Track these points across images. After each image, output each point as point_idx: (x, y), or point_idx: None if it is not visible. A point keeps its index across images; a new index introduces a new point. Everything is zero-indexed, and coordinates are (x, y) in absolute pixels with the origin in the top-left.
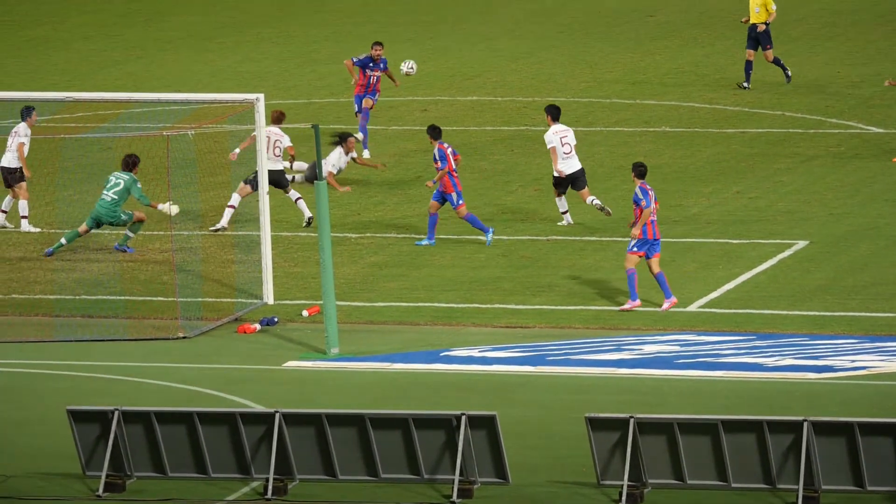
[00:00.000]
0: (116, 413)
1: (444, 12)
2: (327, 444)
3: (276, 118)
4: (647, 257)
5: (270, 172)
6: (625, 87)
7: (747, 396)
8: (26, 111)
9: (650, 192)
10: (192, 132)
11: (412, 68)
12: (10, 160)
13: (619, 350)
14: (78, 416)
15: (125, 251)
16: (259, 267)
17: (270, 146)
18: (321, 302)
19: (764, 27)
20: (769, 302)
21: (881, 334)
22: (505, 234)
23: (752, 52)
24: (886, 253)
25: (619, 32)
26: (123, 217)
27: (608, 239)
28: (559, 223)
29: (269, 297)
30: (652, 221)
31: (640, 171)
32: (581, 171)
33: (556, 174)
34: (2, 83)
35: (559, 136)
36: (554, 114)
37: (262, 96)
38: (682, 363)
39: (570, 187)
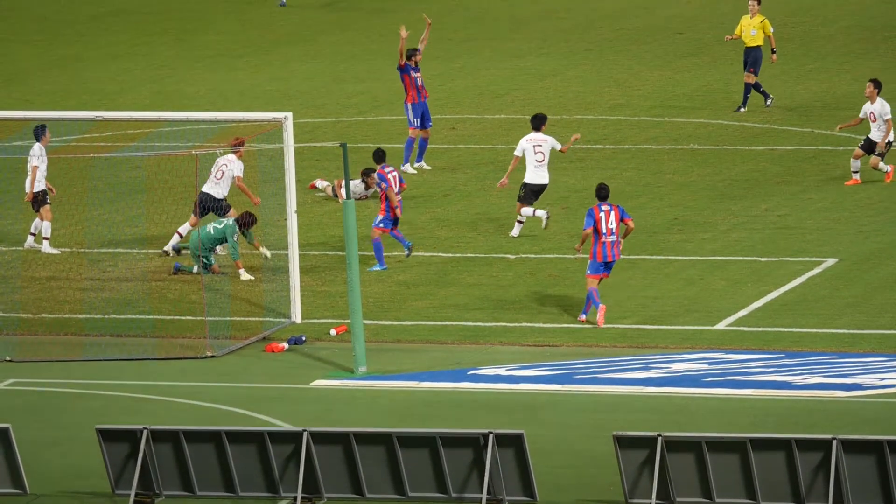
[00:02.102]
0: (145, 432)
1: (472, 30)
2: (355, 463)
3: (233, 144)
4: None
5: (210, 198)
6: (653, 105)
7: (776, 415)
8: (39, 130)
9: (598, 213)
10: (221, 151)
11: None
12: (29, 184)
13: (646, 368)
14: (107, 435)
15: (182, 270)
16: (287, 286)
17: (215, 170)
18: (349, 320)
19: (774, 57)
20: (798, 320)
21: None
22: (532, 253)
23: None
24: None
25: (648, 50)
26: (204, 259)
27: (636, 257)
28: (542, 223)
29: (296, 315)
30: (604, 244)
31: (599, 193)
32: (545, 188)
33: (502, 183)
34: (32, 102)
35: (532, 144)
36: (534, 123)
37: (290, 115)
38: (710, 381)
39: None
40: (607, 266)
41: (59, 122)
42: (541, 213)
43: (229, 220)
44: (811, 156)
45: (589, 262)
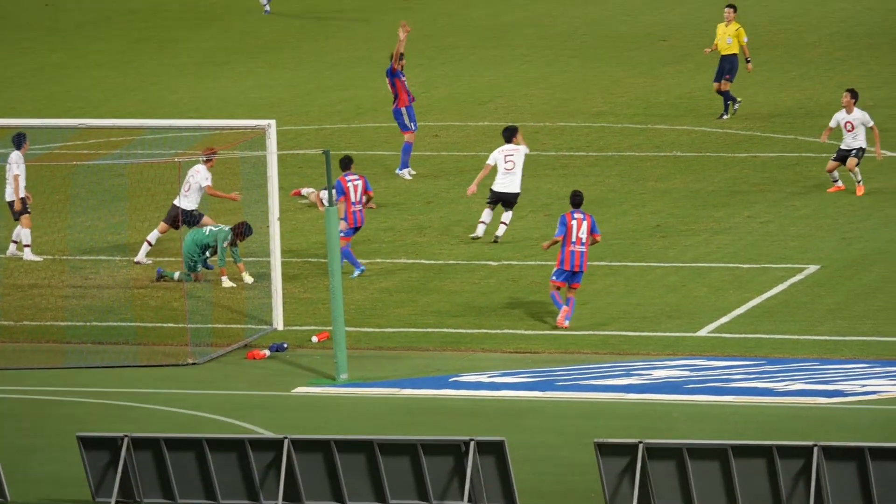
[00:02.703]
0: (126, 439)
1: (455, 37)
2: (336, 470)
3: (203, 153)
4: (568, 285)
5: (182, 211)
6: (636, 113)
7: (757, 421)
8: (19, 139)
9: (570, 221)
10: (204, 158)
11: None
12: (10, 194)
13: (628, 375)
14: (88, 443)
15: (164, 276)
16: (269, 293)
17: (183, 183)
18: (330, 328)
19: (750, 66)
20: (780, 326)
21: (892, 359)
22: (515, 260)
23: (717, 84)
24: None
25: (632, 57)
26: (195, 259)
27: (618, 264)
28: (475, 232)
29: (278, 323)
30: (572, 252)
31: (573, 200)
32: (515, 196)
33: (471, 191)
34: (16, 109)
35: (504, 154)
36: (505, 135)
37: (273, 122)
38: (691, 388)
39: (500, 205)
40: (574, 275)
41: (43, 129)
42: (480, 230)
43: (224, 227)
44: (794, 163)
45: (555, 268)
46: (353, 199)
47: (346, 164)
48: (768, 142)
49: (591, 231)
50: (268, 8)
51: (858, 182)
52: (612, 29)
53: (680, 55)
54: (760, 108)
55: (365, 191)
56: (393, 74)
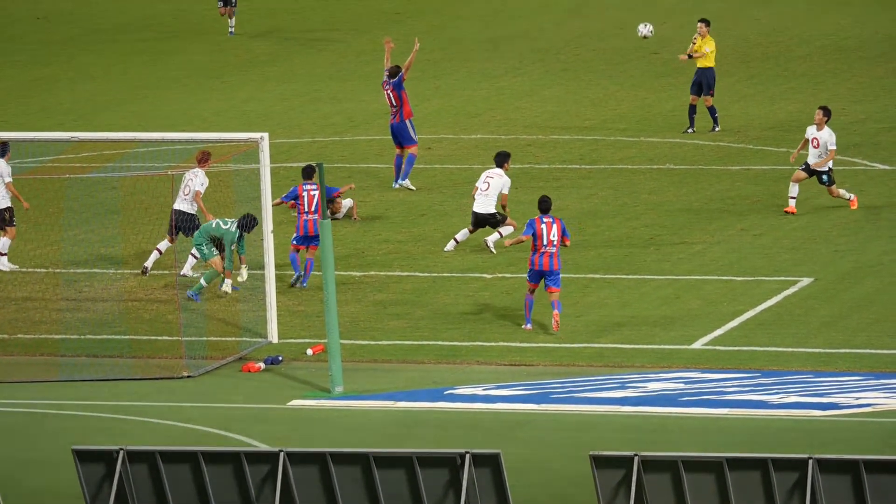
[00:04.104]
0: (121, 452)
1: (448, 51)
2: (331, 483)
3: (198, 159)
4: (545, 287)
5: (181, 214)
6: (629, 125)
7: (752, 434)
8: (2, 148)
9: (539, 226)
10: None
11: (651, 31)
12: (11, 197)
13: (623, 388)
14: (83, 456)
15: (194, 299)
16: (263, 306)
17: (182, 186)
18: (325, 340)
19: (683, 56)
20: (774, 339)
21: (886, 371)
22: (509, 272)
23: (694, 97)
24: (891, 290)
25: (624, 70)
26: (204, 250)
27: (612, 276)
28: (448, 246)
29: (273, 335)
30: (542, 254)
31: (541, 206)
32: (486, 216)
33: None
34: (8, 123)
35: (485, 176)
36: (495, 160)
37: (266, 135)
38: (686, 401)
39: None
40: (551, 279)
41: (35, 142)
42: (452, 245)
43: (232, 228)
44: (786, 175)
45: (528, 269)
46: (306, 207)
47: (307, 172)
48: (760, 154)
49: (563, 234)
50: (232, 30)
51: (850, 198)
52: (603, 42)
53: (672, 68)
54: (752, 120)
55: (334, 192)
56: (401, 86)
